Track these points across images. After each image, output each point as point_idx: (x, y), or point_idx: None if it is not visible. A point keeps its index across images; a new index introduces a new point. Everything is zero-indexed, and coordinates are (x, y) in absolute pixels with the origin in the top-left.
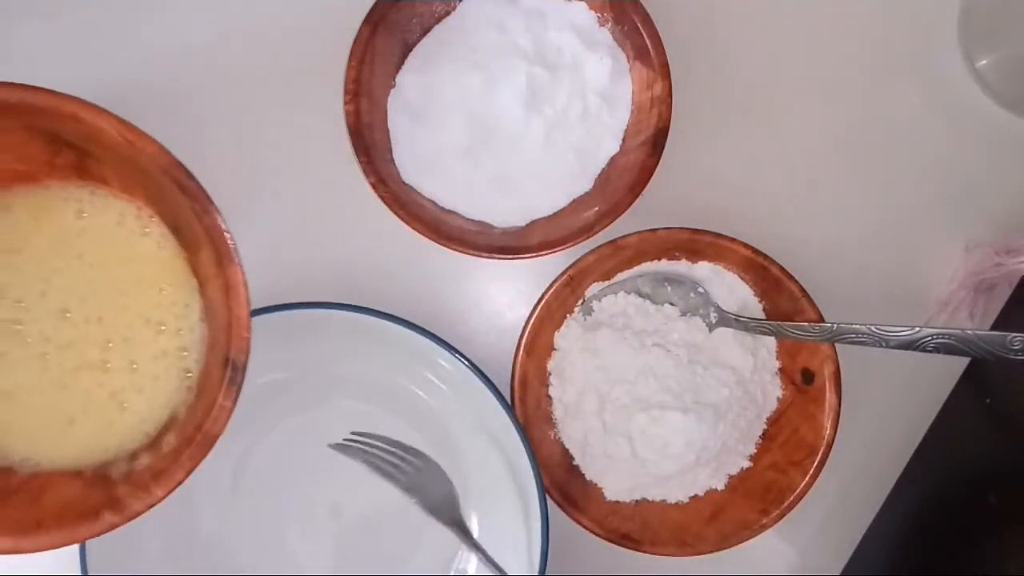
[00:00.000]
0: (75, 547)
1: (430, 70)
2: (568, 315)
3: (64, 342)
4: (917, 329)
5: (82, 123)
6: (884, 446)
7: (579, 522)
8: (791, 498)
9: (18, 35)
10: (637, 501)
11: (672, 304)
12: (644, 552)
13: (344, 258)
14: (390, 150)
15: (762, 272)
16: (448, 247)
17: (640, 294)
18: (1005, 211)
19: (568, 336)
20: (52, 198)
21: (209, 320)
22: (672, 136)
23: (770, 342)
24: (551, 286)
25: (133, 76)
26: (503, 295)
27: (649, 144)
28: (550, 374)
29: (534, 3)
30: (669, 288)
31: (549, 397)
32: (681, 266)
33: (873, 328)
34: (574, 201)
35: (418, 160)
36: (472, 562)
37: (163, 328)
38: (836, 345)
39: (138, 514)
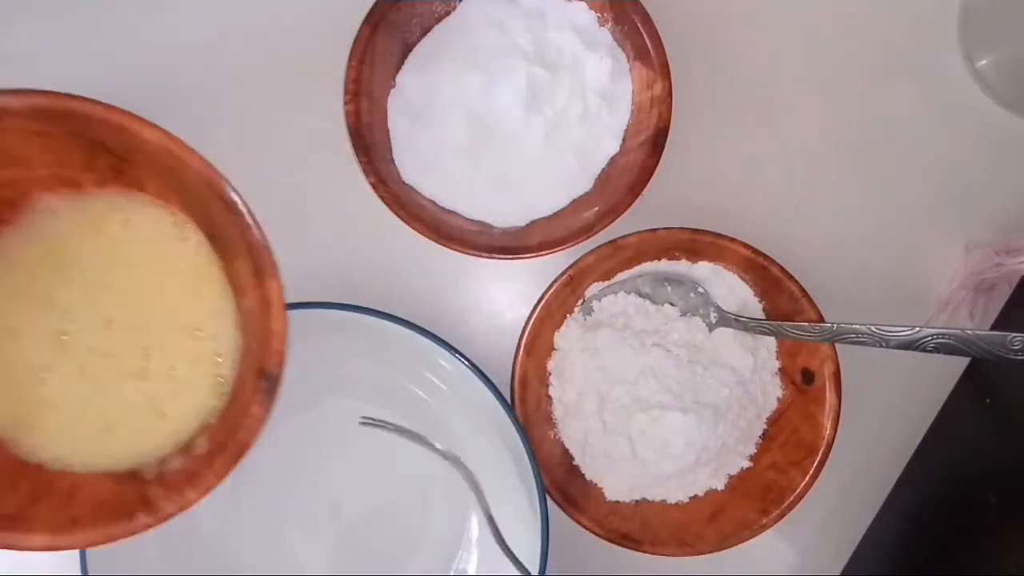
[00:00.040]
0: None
1: (430, 70)
2: (568, 315)
3: (107, 351)
4: (917, 329)
5: (127, 133)
6: (884, 446)
7: (579, 522)
8: (791, 498)
9: (18, 35)
10: (637, 501)
11: (672, 304)
12: (644, 552)
13: (344, 258)
14: (390, 150)
15: (762, 272)
16: (448, 247)
17: (640, 294)
18: (1005, 211)
19: (568, 336)
20: (99, 208)
21: (244, 328)
22: (672, 136)
23: (770, 342)
24: (551, 286)
25: (133, 76)
26: (503, 295)
27: (649, 144)
28: (550, 374)
29: (534, 3)
30: (669, 288)
31: (549, 397)
32: (681, 266)
33: (873, 328)
34: (574, 201)
35: (418, 160)
36: (472, 562)
37: (199, 333)
38: (836, 345)
39: (171, 516)
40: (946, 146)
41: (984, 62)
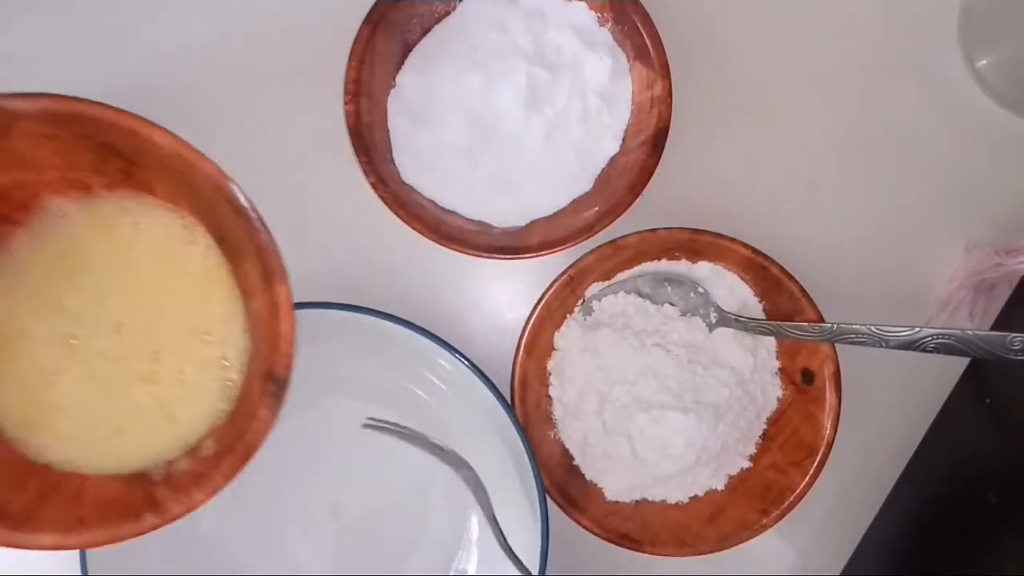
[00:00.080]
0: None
1: (430, 70)
2: (568, 315)
3: (116, 355)
4: (917, 329)
5: (138, 137)
6: (884, 446)
7: (579, 522)
8: (791, 498)
9: (18, 35)
10: (637, 501)
11: (672, 304)
12: (644, 552)
13: (344, 258)
14: (390, 150)
15: (762, 272)
16: (448, 247)
17: (640, 294)
18: (1005, 211)
19: (568, 336)
20: (109, 211)
21: (252, 331)
22: (672, 136)
23: (770, 342)
24: (551, 286)
25: (133, 76)
26: (503, 295)
27: (649, 144)
28: (550, 374)
29: (534, 3)
30: (669, 288)
31: (549, 397)
32: (681, 266)
33: (873, 328)
34: (574, 201)
35: (418, 160)
36: (472, 562)
37: (208, 337)
38: (836, 345)
39: (178, 517)
40: (946, 146)
41: (984, 62)
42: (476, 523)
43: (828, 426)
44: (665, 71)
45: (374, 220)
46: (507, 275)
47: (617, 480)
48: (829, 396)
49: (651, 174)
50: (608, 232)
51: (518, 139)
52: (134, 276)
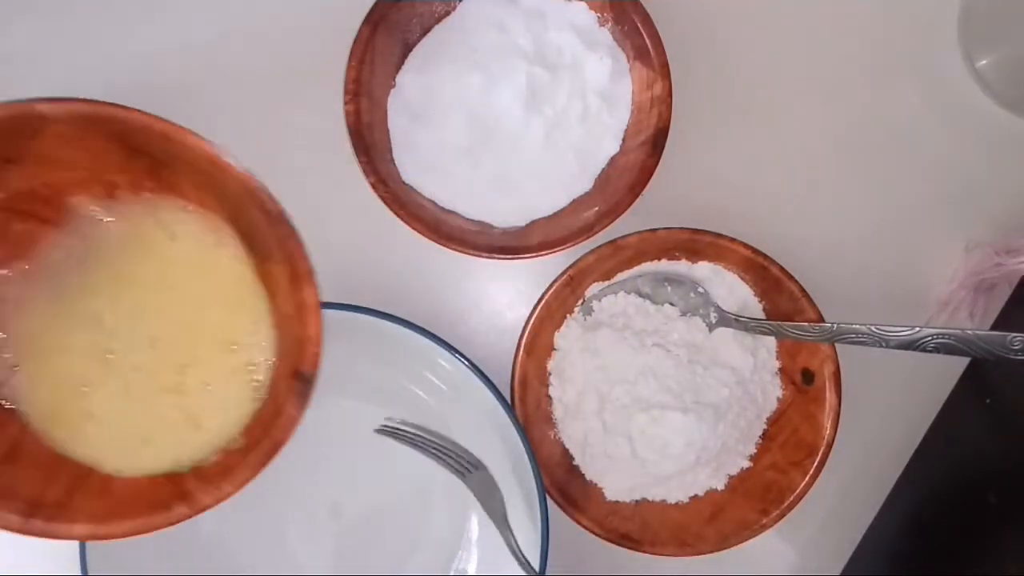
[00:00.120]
0: (75, 547)
1: (430, 70)
2: (568, 315)
3: (147, 368)
4: (917, 329)
5: (170, 141)
6: (884, 446)
7: (579, 522)
8: (791, 498)
9: (18, 35)
10: (637, 501)
11: (672, 304)
12: (644, 552)
13: (344, 258)
14: (390, 150)
15: (762, 272)
16: (448, 247)
17: (640, 294)
18: (1005, 211)
19: (568, 336)
20: (146, 225)
21: (279, 331)
22: (672, 136)
23: (770, 342)
24: (551, 286)
25: (133, 76)
26: (503, 295)
27: (649, 144)
28: (550, 374)
29: (534, 3)
30: (669, 288)
31: (549, 397)
32: (681, 266)
33: (873, 328)
34: (574, 201)
35: (418, 160)
36: (472, 562)
37: (235, 347)
38: (836, 345)
39: (208, 507)
40: (946, 146)
41: (984, 62)
42: (476, 523)
43: (828, 426)
44: (665, 71)
45: (374, 220)
46: (507, 275)
47: (617, 480)
48: (829, 396)
49: (651, 174)
50: (608, 232)
51: (518, 139)
52: (171, 294)
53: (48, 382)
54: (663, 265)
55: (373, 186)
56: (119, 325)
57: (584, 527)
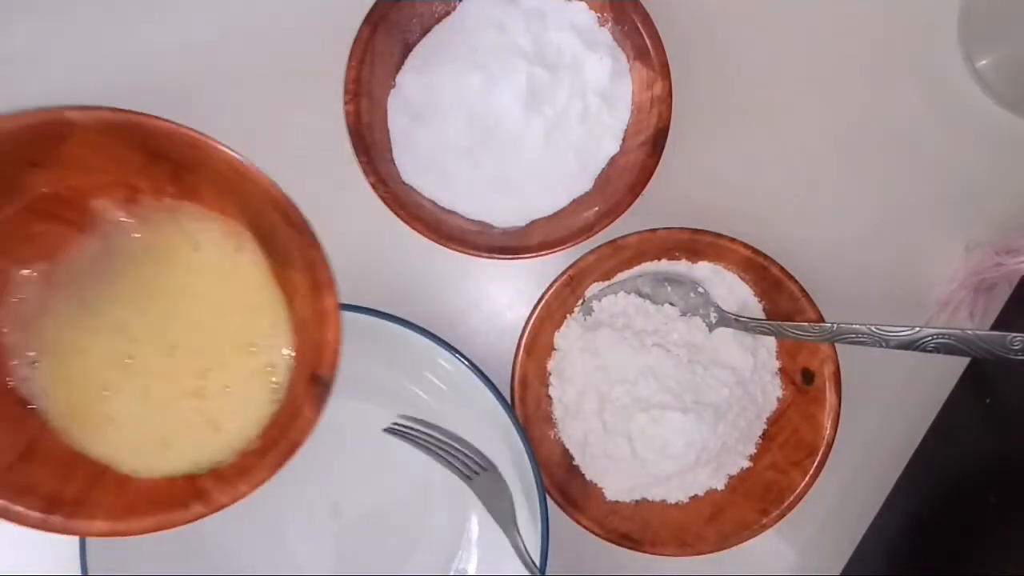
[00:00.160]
0: (75, 547)
1: (430, 70)
2: (568, 315)
3: (167, 374)
4: (917, 329)
5: (197, 150)
6: (884, 446)
7: (579, 522)
8: (791, 498)
9: (18, 35)
10: (637, 501)
11: (672, 304)
12: (644, 552)
13: (344, 258)
14: (390, 150)
15: (762, 272)
16: (448, 247)
17: (640, 294)
18: (1005, 211)
19: (568, 336)
20: (170, 234)
21: (297, 335)
22: (672, 136)
23: (770, 342)
24: (551, 286)
25: (133, 76)
26: (503, 295)
27: (649, 144)
28: (550, 374)
29: (534, 3)
30: (669, 288)
31: (549, 397)
32: (681, 266)
33: (873, 328)
34: (574, 201)
35: (418, 160)
36: (472, 562)
37: (254, 349)
38: (836, 345)
39: (224, 506)
40: (946, 146)
41: (984, 62)
42: (476, 523)
43: (828, 426)
44: (665, 71)
45: (374, 220)
46: (507, 275)
47: (617, 480)
48: (829, 396)
49: (651, 174)
50: (608, 232)
51: (518, 139)
52: (194, 301)
53: (68, 382)
54: (663, 265)
55: (373, 186)
56: (142, 332)
57: (584, 527)
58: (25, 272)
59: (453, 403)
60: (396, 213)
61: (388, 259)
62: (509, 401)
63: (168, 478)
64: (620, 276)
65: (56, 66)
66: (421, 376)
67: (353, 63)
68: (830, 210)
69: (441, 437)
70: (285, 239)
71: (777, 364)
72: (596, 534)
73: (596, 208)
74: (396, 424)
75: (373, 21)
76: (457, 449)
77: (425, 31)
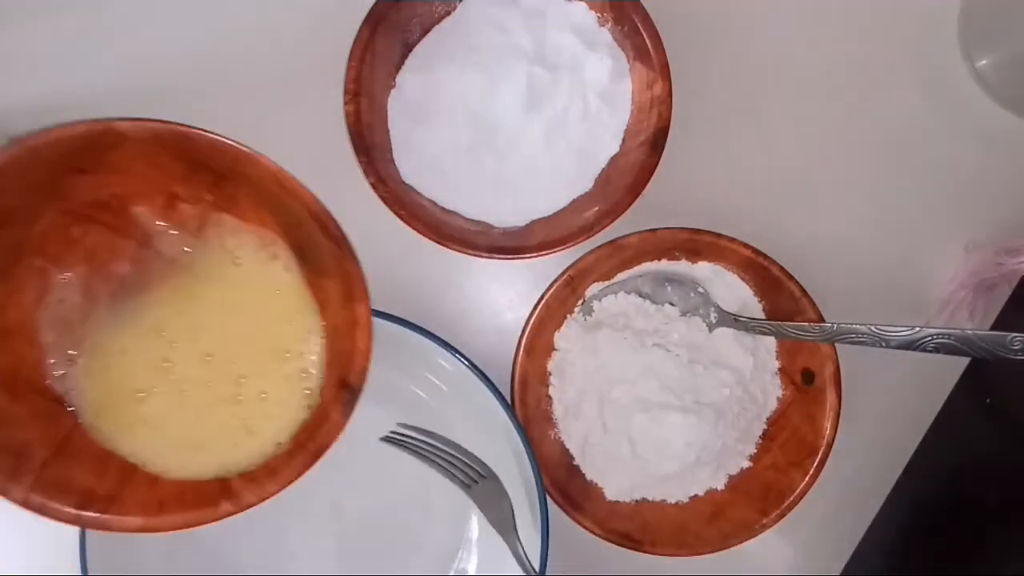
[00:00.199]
0: (75, 547)
1: (430, 70)
2: (568, 315)
3: (203, 380)
4: (917, 329)
5: (240, 163)
6: (884, 446)
7: (579, 522)
8: (791, 498)
9: (18, 35)
10: (637, 501)
11: (672, 304)
12: (644, 552)
13: None
14: (390, 150)
15: (762, 272)
16: (448, 247)
17: (640, 294)
18: (1005, 211)
19: (568, 336)
20: (216, 252)
21: (329, 342)
22: (672, 136)
23: (770, 342)
24: (551, 286)
25: (133, 76)
26: (503, 295)
27: (649, 144)
28: (550, 374)
29: (534, 3)
30: (669, 288)
31: (549, 397)
32: (681, 266)
33: (873, 328)
34: (574, 201)
35: (418, 160)
36: (472, 562)
37: (288, 355)
38: (836, 345)
39: (252, 505)
40: (946, 146)
41: (984, 62)
42: (476, 524)
43: (828, 426)
44: (665, 71)
45: (374, 220)
46: (507, 275)
47: (617, 480)
48: (829, 396)
49: (651, 174)
50: (608, 232)
51: (518, 139)
52: (231, 313)
53: (103, 381)
54: (663, 265)
55: (373, 186)
56: (179, 338)
57: (584, 527)
58: (66, 275)
59: (453, 403)
60: (396, 213)
61: (388, 259)
62: (509, 401)
63: (197, 479)
64: (620, 276)
65: (56, 66)
66: (421, 376)
67: (353, 63)
68: (830, 210)
69: (439, 445)
70: (321, 250)
71: (777, 364)
72: (596, 534)
73: (596, 208)
74: (394, 433)
75: (373, 21)
76: (455, 457)
77: (425, 31)
